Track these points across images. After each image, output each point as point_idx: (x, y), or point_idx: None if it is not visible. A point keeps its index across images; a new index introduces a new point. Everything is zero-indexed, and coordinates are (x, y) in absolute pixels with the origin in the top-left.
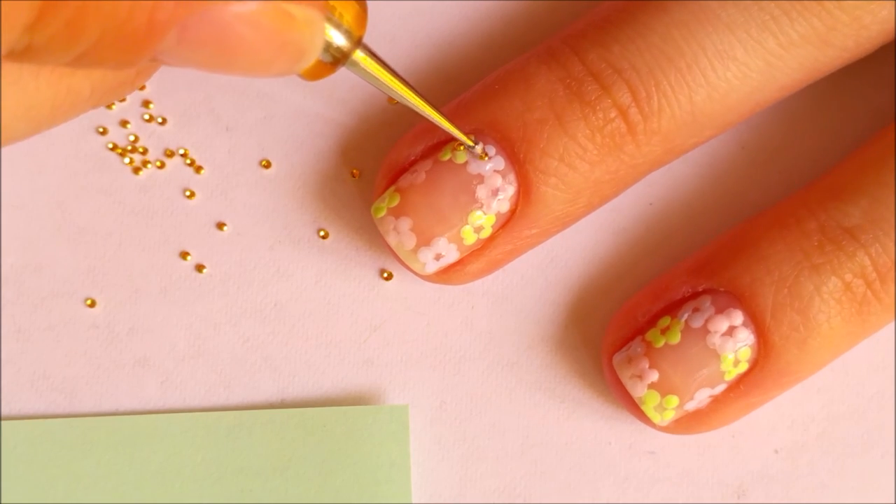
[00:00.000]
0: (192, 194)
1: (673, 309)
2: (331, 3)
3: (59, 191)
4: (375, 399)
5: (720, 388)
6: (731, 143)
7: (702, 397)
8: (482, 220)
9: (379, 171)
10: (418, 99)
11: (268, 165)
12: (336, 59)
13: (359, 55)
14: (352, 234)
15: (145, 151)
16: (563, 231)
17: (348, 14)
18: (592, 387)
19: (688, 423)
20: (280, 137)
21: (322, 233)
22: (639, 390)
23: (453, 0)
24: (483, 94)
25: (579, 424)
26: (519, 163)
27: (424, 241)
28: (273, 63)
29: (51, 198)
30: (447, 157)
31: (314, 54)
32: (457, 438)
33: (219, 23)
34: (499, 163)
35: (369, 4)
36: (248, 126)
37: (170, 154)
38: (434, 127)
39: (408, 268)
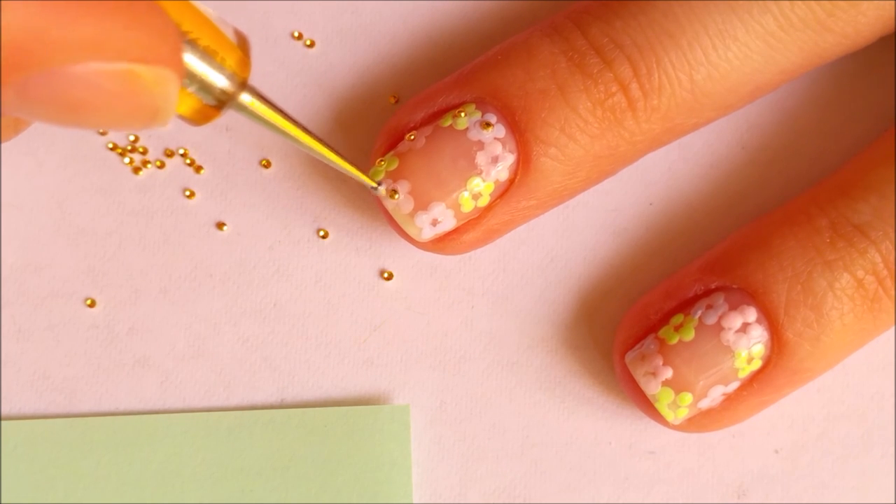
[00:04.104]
0: (192, 194)
1: (686, 306)
2: (212, 48)
3: (59, 191)
4: (376, 399)
5: (733, 385)
6: (732, 143)
7: (715, 395)
8: (481, 188)
9: (378, 136)
10: (313, 141)
11: (268, 165)
12: (221, 101)
13: (245, 98)
14: (352, 234)
15: (145, 151)
16: (563, 231)
17: (230, 58)
18: (593, 387)
19: (700, 421)
20: (280, 137)
21: (322, 233)
22: (652, 387)
23: (453, 0)
24: (485, 64)
25: (579, 424)
26: (519, 131)
27: (422, 205)
28: (127, 121)
29: (50, 198)
30: (448, 124)
31: (169, 112)
32: (457, 438)
33: (58, 83)
34: (499, 131)
35: (375, 4)
36: (248, 126)
37: (169, 154)
38: (435, 94)
39: (404, 236)
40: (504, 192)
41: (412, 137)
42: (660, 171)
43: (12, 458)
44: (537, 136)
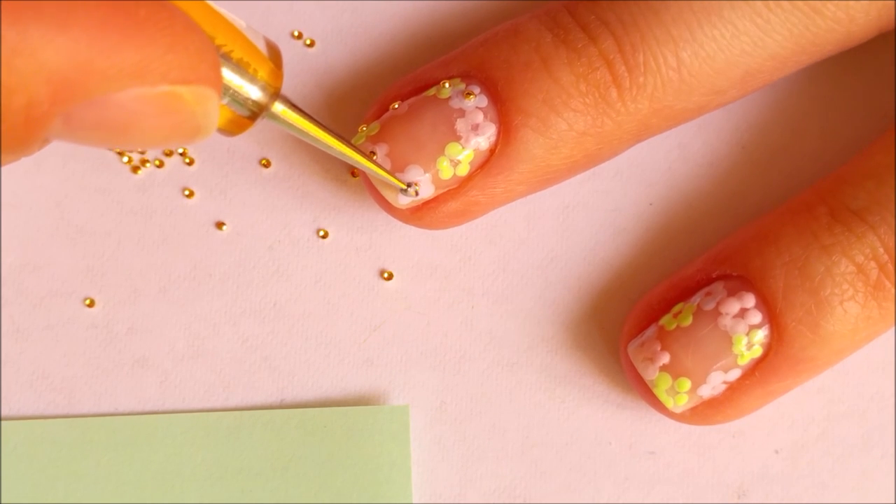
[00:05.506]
0: (191, 193)
1: (687, 295)
2: (245, 60)
3: (58, 190)
4: (375, 399)
5: (734, 373)
6: (732, 143)
7: (716, 383)
8: (460, 155)
9: (368, 110)
10: (344, 146)
11: (267, 165)
12: (254, 112)
13: (277, 108)
14: (352, 234)
15: (144, 150)
16: (563, 231)
17: (262, 69)
18: (593, 387)
19: (704, 411)
20: (280, 137)
21: (321, 233)
22: (650, 373)
23: (453, 0)
24: (474, 43)
25: (579, 425)
26: (501, 101)
27: (399, 167)
28: (169, 140)
29: (49, 197)
30: (432, 93)
31: (210, 128)
32: (457, 438)
33: (103, 110)
34: (482, 101)
35: (375, 4)
36: None
37: (168, 153)
38: (426, 72)
39: (384, 205)
40: (485, 162)
41: (396, 106)
42: (660, 171)
43: (12, 458)
44: (519, 105)
